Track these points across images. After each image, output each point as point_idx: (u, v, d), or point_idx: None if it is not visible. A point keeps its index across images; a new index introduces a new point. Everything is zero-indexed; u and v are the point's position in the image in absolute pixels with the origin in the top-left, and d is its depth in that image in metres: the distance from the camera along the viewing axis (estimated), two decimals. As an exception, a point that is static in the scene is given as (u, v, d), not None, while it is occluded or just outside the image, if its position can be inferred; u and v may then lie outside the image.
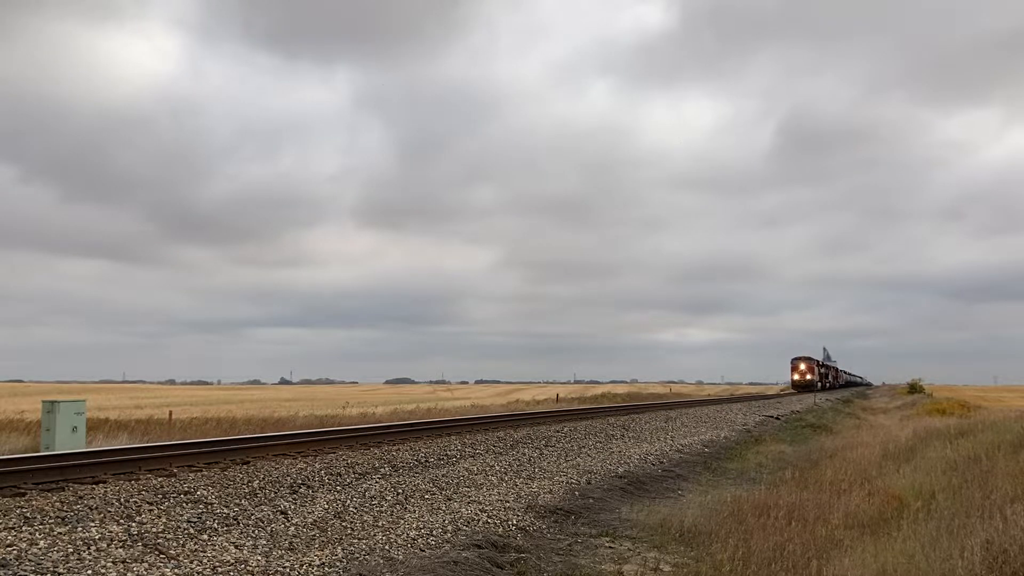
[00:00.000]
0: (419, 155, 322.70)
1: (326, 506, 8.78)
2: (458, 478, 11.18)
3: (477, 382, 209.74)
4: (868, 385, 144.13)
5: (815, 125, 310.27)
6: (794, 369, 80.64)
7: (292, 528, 7.80)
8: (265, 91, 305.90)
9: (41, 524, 7.02)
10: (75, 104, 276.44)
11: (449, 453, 13.27)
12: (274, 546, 7.14)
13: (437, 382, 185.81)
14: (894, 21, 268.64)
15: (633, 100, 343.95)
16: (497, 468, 12.29)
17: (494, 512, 9.37)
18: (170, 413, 24.99)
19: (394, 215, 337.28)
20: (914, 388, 78.80)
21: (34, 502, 7.82)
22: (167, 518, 7.60)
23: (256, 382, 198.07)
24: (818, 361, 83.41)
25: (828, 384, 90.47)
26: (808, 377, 78.53)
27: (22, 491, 8.35)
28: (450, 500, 9.83)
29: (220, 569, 6.33)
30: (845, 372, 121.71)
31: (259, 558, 6.72)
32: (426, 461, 12.31)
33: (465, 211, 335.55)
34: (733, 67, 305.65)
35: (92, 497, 8.11)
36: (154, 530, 7.16)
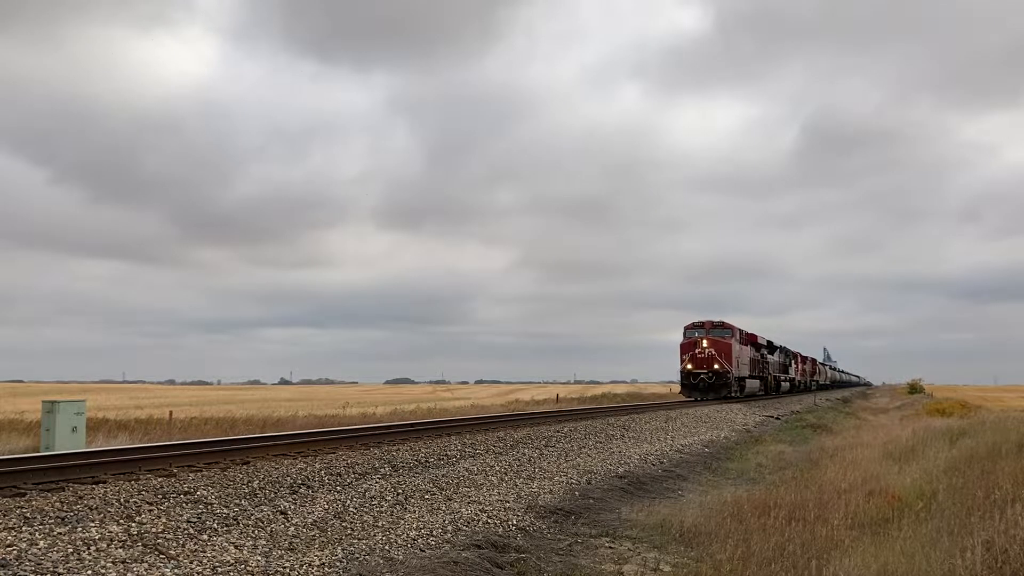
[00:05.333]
0: (445, 157, 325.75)
1: (326, 506, 8.77)
2: (458, 478, 11.18)
3: (477, 382, 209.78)
4: (868, 385, 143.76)
5: (840, 127, 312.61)
6: (686, 350, 38.74)
7: (292, 528, 7.79)
8: (299, 95, 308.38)
9: (41, 524, 7.01)
10: (110, 107, 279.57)
11: (449, 453, 13.26)
12: (274, 546, 7.13)
13: (437, 382, 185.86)
14: (925, 25, 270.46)
15: (662, 102, 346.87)
16: (497, 468, 12.29)
17: (494, 512, 9.36)
18: (170, 413, 24.97)
19: (414, 216, 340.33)
20: (914, 388, 78.80)
21: (34, 502, 7.81)
22: (167, 518, 7.59)
23: (256, 382, 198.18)
24: (746, 334, 42.65)
25: (788, 382, 56.49)
26: (716, 366, 37.54)
27: (22, 491, 8.34)
28: (450, 500, 9.83)
29: (220, 569, 6.32)
30: (835, 369, 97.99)
31: (259, 558, 6.71)
32: (426, 461, 12.30)
33: (485, 212, 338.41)
34: (763, 70, 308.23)
35: (92, 497, 8.10)
36: (154, 530, 7.15)
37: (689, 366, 37.95)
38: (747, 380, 41.47)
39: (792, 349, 62.01)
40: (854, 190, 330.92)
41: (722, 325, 38.92)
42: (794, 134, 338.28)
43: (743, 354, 41.08)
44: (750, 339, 44.15)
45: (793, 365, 60.65)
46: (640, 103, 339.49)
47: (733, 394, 38.51)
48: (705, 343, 37.86)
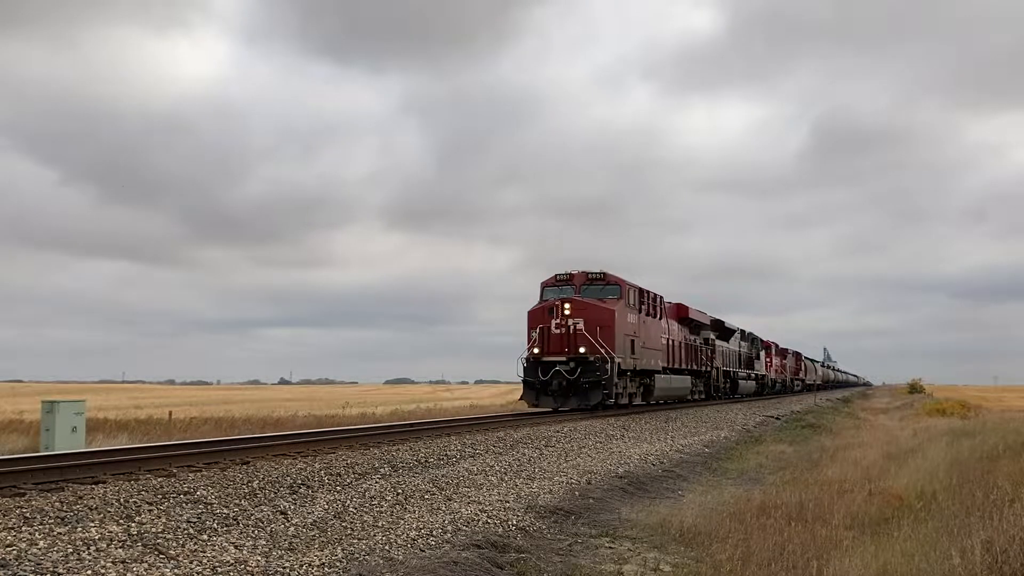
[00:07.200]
0: (455, 158, 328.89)
1: (326, 506, 8.77)
2: (458, 478, 11.18)
3: (477, 382, 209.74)
4: (868, 385, 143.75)
5: (849, 128, 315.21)
6: (536, 321, 22.32)
7: (292, 528, 7.79)
8: (312, 96, 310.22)
9: (41, 524, 7.01)
10: (121, 108, 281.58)
11: (449, 453, 13.26)
12: (274, 546, 7.13)
13: (437, 382, 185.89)
14: (935, 27, 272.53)
15: (673, 104, 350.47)
16: (497, 468, 12.29)
17: (494, 512, 9.36)
18: (170, 413, 25.00)
19: (422, 216, 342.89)
20: (914, 388, 78.86)
21: (34, 502, 7.81)
22: (167, 518, 7.59)
23: (256, 382, 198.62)
24: (664, 303, 27.93)
25: (754, 380, 44.19)
26: (582, 349, 21.38)
27: (22, 491, 8.34)
28: (450, 500, 9.82)
29: (220, 569, 6.32)
30: (831, 368, 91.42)
31: (259, 558, 6.71)
32: (426, 461, 12.30)
33: (493, 212, 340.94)
34: (775, 72, 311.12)
35: (92, 497, 8.10)
36: (154, 530, 7.15)
37: (536, 350, 21.91)
38: (659, 376, 26.12)
39: (765, 339, 48.92)
40: (860, 191, 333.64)
41: (603, 279, 23.24)
42: (803, 135, 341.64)
43: (649, 332, 25.40)
44: (675, 313, 29.63)
45: (764, 358, 47.14)
46: (650, 104, 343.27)
47: (616, 400, 22.40)
48: (568, 309, 21.85)
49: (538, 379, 21.87)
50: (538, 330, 22.15)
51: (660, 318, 27.14)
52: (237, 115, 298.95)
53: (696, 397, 32.61)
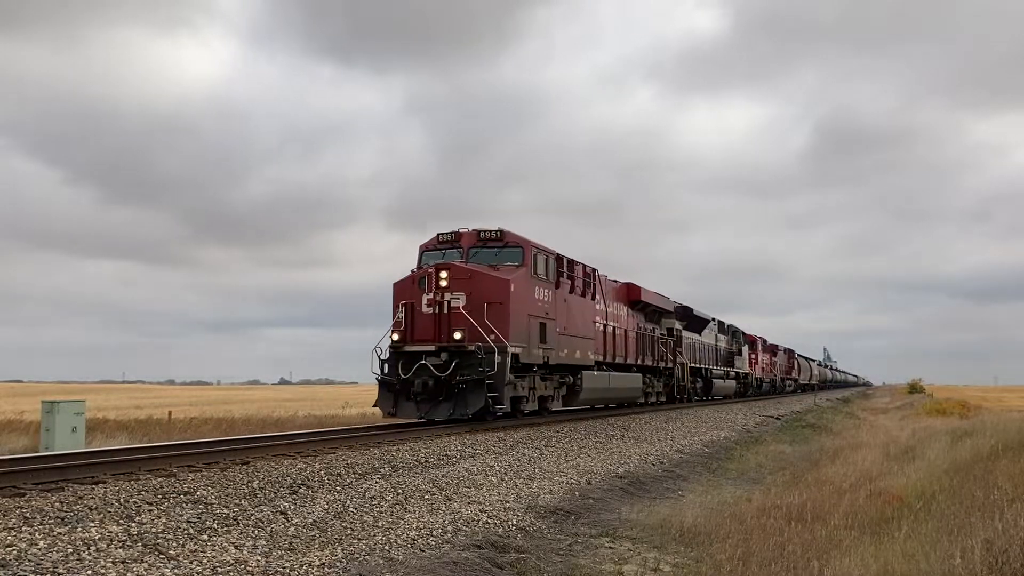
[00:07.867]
0: (457, 158, 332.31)
1: (326, 506, 8.77)
2: (458, 478, 11.18)
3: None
4: (868, 385, 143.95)
5: (852, 128, 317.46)
6: (402, 295, 16.53)
7: (292, 528, 7.79)
8: (316, 97, 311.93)
9: (41, 524, 7.01)
10: (125, 108, 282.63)
11: (449, 453, 13.26)
12: (274, 546, 7.13)
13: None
14: (939, 27, 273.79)
15: (676, 104, 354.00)
16: (497, 468, 12.29)
17: (494, 512, 9.36)
18: (169, 413, 25.03)
19: (424, 217, 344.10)
20: (914, 388, 78.89)
21: (34, 502, 7.81)
22: (167, 518, 7.59)
23: (256, 382, 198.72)
24: (601, 278, 21.87)
25: (733, 379, 39.47)
26: (458, 335, 15.60)
27: (22, 491, 8.34)
28: (450, 500, 9.82)
29: (220, 569, 6.32)
30: (829, 367, 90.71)
31: (259, 558, 6.71)
32: (426, 461, 12.30)
33: (495, 213, 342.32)
34: (778, 72, 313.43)
35: (92, 497, 8.10)
36: (154, 530, 7.15)
37: (396, 336, 16.62)
38: (589, 373, 20.56)
39: (752, 333, 44.43)
40: (862, 191, 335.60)
41: (500, 239, 17.52)
42: (806, 135, 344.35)
43: (574, 314, 19.75)
44: (624, 295, 24.46)
45: (747, 355, 42.07)
46: (653, 104, 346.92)
47: (513, 406, 17.55)
48: (444, 279, 16.39)
49: (396, 376, 16.32)
50: (403, 308, 16.57)
51: (594, 298, 21.37)
52: (240, 115, 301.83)
53: (653, 400, 27.45)
